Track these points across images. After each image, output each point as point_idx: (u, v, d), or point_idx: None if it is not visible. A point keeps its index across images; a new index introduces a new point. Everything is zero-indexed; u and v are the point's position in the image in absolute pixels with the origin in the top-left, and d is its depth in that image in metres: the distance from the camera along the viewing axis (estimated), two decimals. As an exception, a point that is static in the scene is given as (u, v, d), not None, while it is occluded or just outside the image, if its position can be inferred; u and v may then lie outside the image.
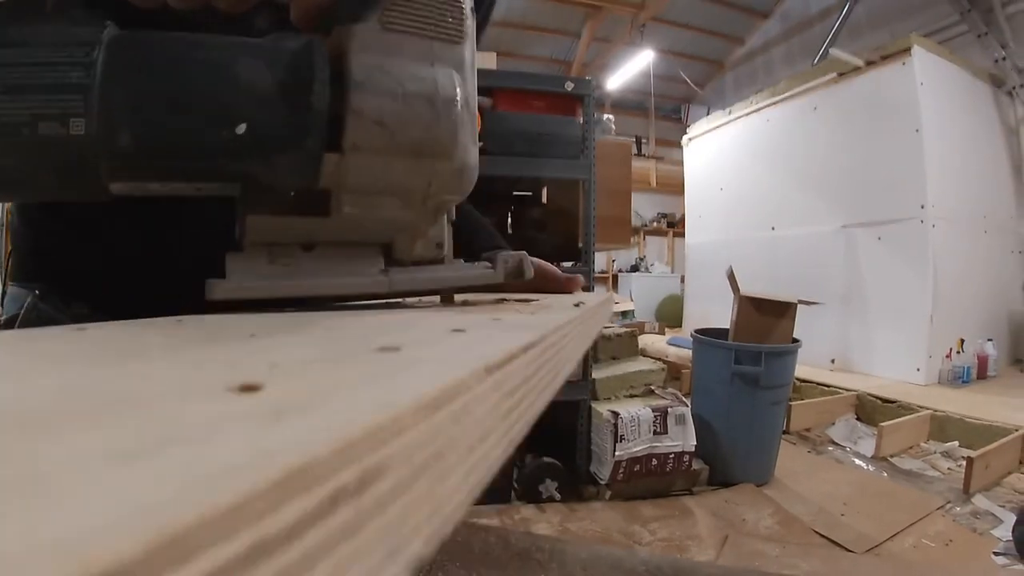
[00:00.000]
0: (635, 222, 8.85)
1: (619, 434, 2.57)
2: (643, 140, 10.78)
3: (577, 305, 0.51)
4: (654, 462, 2.64)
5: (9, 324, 0.70)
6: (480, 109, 2.43)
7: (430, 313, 0.44)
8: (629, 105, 10.83)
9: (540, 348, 0.27)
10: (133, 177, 0.40)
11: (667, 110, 11.34)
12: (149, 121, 0.38)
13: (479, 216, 0.81)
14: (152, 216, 0.63)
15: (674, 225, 10.18)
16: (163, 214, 0.64)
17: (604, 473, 2.61)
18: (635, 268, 9.66)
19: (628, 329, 3.41)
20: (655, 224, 10.45)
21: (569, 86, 2.72)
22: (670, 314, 7.93)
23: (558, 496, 2.62)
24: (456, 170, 0.48)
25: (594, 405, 2.73)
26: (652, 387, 2.99)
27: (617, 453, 2.56)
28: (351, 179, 0.44)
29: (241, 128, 0.39)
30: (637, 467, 2.61)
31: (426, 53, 0.47)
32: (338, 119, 0.42)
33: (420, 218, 0.50)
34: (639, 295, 8.32)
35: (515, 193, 3.03)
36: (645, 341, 5.12)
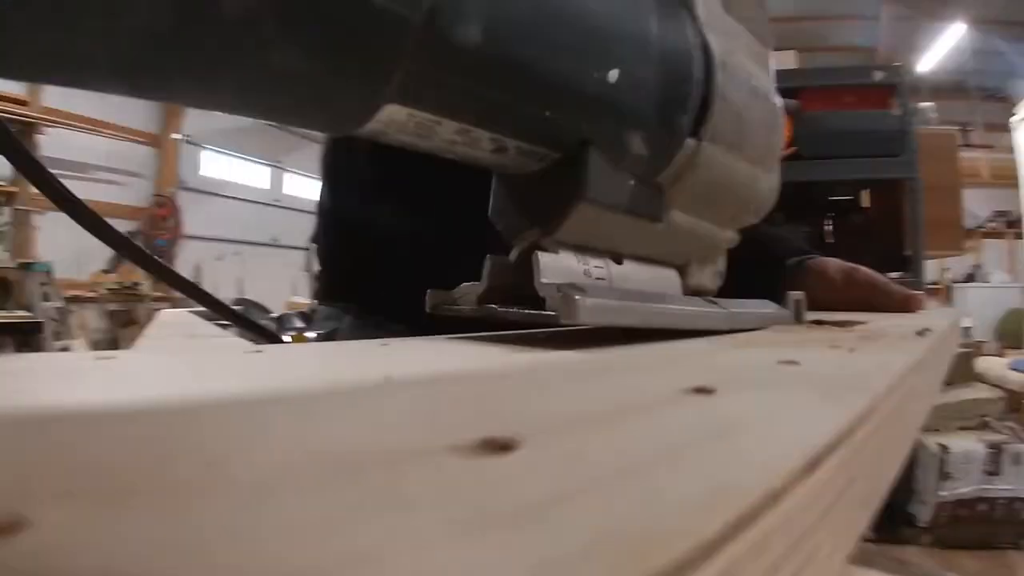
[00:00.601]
0: (968, 223, 7.83)
1: (945, 471, 2.26)
2: (968, 127, 9.46)
3: (922, 333, 0.40)
4: (982, 507, 2.27)
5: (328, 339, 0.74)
6: (788, 112, 2.26)
7: (740, 346, 0.36)
8: (944, 88, 9.60)
9: (875, 422, 0.19)
10: (429, 98, 0.29)
11: (989, 89, 9.84)
12: (507, 20, 0.29)
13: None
14: (467, 241, 0.64)
15: (1015, 225, 8.81)
16: (478, 236, 0.64)
17: (923, 515, 2.30)
18: (970, 278, 8.49)
19: (964, 350, 2.97)
20: (991, 225, 9.10)
21: (878, 75, 2.45)
22: (1012, 332, 6.85)
23: (870, 534, 2.34)
24: (771, 188, 0.43)
25: (920, 436, 2.39)
26: (987, 419, 2.57)
27: (941, 493, 2.25)
28: (695, 177, 0.38)
29: (614, 75, 0.33)
30: (963, 511, 2.28)
31: (750, 48, 0.41)
32: (704, 101, 0.37)
33: (722, 240, 0.45)
34: (974, 310, 7.32)
35: (832, 199, 2.79)
36: (982, 364, 4.48)
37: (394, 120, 0.29)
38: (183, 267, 6.74)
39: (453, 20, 0.27)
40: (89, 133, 5.96)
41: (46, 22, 0.21)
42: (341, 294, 0.79)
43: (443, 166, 0.66)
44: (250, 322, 0.60)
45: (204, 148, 7.16)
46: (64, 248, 5.42)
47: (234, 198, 7.44)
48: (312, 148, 6.85)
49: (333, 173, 0.78)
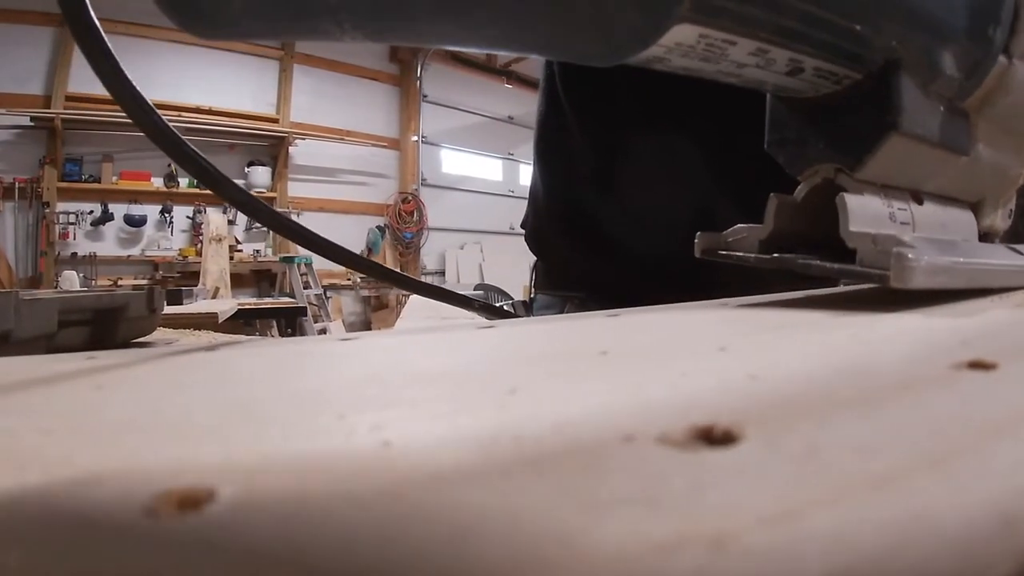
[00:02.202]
0: None
1: None
2: None
3: None
4: None
5: None
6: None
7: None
8: None
9: None
10: (726, 13, 0.25)
11: None
12: None
13: None
14: (691, 224, 0.63)
15: None
16: (702, 217, 0.62)
17: None
18: None
19: None
20: None
21: None
22: None
23: None
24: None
25: None
26: None
27: None
28: (1005, 101, 0.33)
29: None
30: None
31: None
32: (1016, 11, 0.32)
33: (1018, 176, 0.39)
34: None
35: None
36: None
37: (681, 42, 0.25)
38: (429, 257, 7.18)
39: None
40: (335, 142, 6.51)
41: None
42: (561, 282, 0.77)
43: (664, 144, 0.62)
44: (477, 302, 0.62)
45: (442, 147, 7.55)
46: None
47: (471, 191, 7.78)
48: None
49: (546, 158, 0.77)
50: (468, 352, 0.26)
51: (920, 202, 0.35)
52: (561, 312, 0.75)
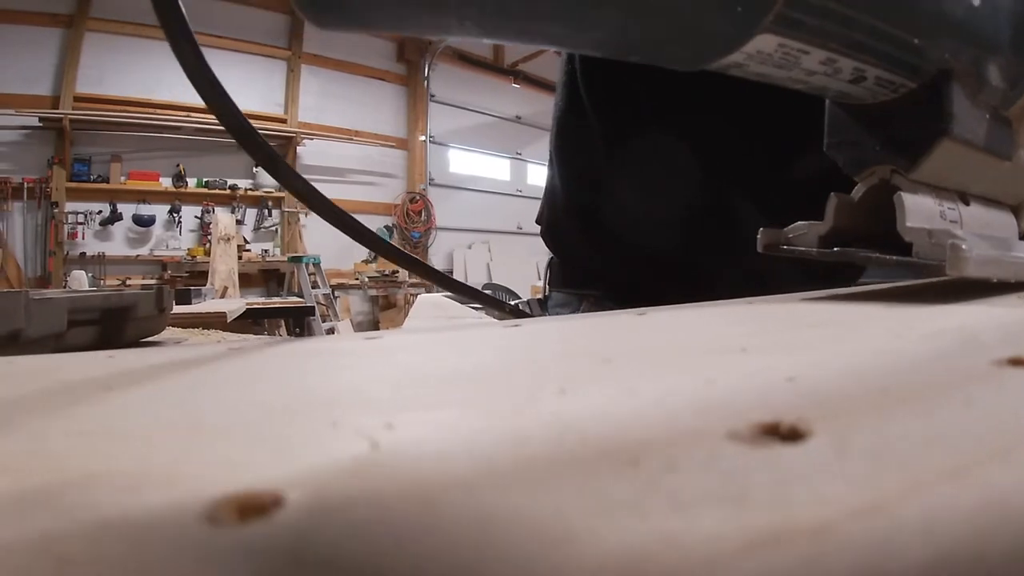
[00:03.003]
0: None
1: None
2: None
3: None
4: None
5: None
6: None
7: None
8: None
9: None
10: (805, 25, 0.28)
11: None
12: None
13: None
14: (709, 221, 0.62)
15: None
16: (719, 215, 0.63)
17: None
18: None
19: None
20: None
21: None
22: None
23: None
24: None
25: None
26: None
27: None
28: None
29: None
30: None
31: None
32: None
33: None
34: None
35: None
36: None
37: (761, 51, 0.29)
38: (436, 256, 7.20)
39: None
40: (343, 142, 6.52)
41: None
42: (576, 279, 0.77)
43: (685, 143, 0.62)
44: (495, 300, 0.63)
45: (449, 147, 7.56)
46: (330, 242, 5.99)
47: (479, 191, 7.79)
48: (548, 136, 6.99)
49: (565, 155, 0.76)
50: (504, 351, 0.25)
51: (967, 203, 0.37)
52: (576, 310, 0.75)
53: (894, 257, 0.34)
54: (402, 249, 0.52)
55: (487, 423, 0.14)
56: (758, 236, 0.40)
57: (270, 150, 0.39)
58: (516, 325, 0.31)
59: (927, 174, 0.35)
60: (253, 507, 0.09)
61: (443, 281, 0.52)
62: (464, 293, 0.57)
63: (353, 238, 0.43)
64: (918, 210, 0.34)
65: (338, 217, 0.42)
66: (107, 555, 0.08)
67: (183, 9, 0.37)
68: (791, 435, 0.12)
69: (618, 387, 0.16)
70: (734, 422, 0.13)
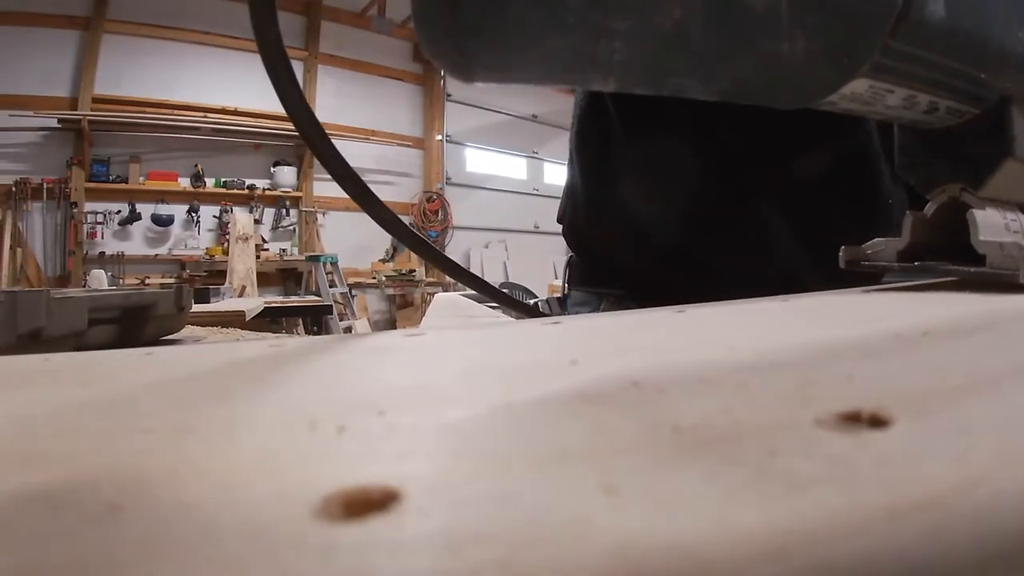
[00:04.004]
0: None
1: None
2: None
3: None
4: None
5: None
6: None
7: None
8: None
9: None
10: (893, 70, 0.33)
11: None
12: None
13: None
14: (730, 221, 0.62)
15: None
16: (740, 216, 0.64)
17: None
18: None
19: None
20: None
21: None
22: None
23: None
24: None
25: None
26: None
27: None
28: None
29: None
30: None
31: None
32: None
33: None
34: None
35: None
36: None
37: (854, 92, 0.34)
38: (454, 256, 7.18)
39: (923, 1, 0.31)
40: (359, 141, 6.53)
41: (584, 31, 0.27)
42: (597, 278, 0.76)
43: (704, 145, 0.62)
44: (517, 302, 0.63)
45: (466, 146, 7.55)
46: (347, 242, 6.00)
47: (496, 190, 7.78)
48: (565, 136, 7.02)
49: (586, 154, 0.75)
50: (559, 347, 0.25)
51: None
52: (596, 309, 0.74)
53: (972, 268, 0.37)
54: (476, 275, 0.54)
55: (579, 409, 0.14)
56: (840, 253, 0.43)
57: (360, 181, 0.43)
58: (557, 322, 0.32)
59: (992, 190, 0.39)
60: (364, 503, 0.09)
61: (496, 295, 0.55)
62: (510, 304, 0.60)
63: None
64: (988, 225, 0.37)
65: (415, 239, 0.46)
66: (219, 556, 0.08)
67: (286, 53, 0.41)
68: (875, 422, 0.13)
69: (690, 380, 0.17)
70: (818, 411, 0.13)
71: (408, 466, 0.11)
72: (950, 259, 0.38)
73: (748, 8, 0.28)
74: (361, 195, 0.43)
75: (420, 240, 0.47)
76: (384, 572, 0.08)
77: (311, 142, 0.41)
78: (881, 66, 0.32)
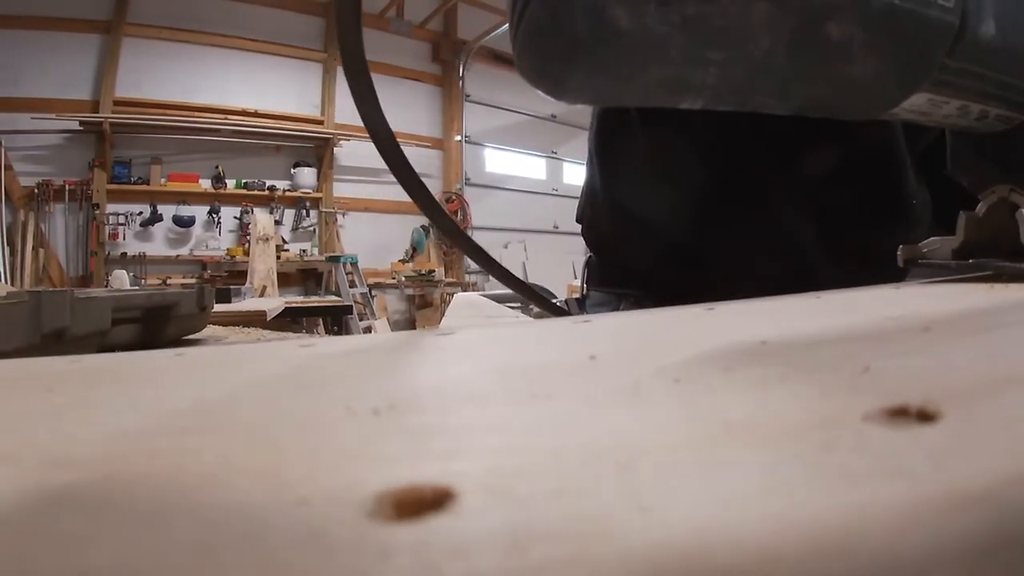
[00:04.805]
0: None
1: None
2: None
3: None
4: None
5: None
6: None
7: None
8: None
9: None
10: (951, 84, 0.36)
11: None
12: (1009, 15, 0.36)
13: None
14: (754, 235, 0.61)
15: None
16: (768, 231, 0.64)
17: None
18: None
19: None
20: None
21: None
22: None
23: None
24: None
25: None
26: None
27: None
28: None
29: None
30: None
31: None
32: None
33: None
34: None
35: None
36: None
37: (914, 104, 0.37)
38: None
39: (977, 20, 0.34)
40: (381, 141, 6.55)
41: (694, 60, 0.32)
42: (616, 279, 0.75)
43: (724, 144, 0.62)
44: (552, 303, 0.66)
45: (485, 146, 7.56)
46: (367, 242, 6.02)
47: (515, 190, 7.78)
48: (584, 135, 7.01)
49: (606, 155, 0.74)
50: (594, 345, 0.25)
51: None
52: (615, 310, 0.73)
53: (1020, 264, 0.39)
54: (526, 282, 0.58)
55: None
56: (898, 252, 0.46)
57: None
58: (587, 321, 0.32)
59: None
60: (416, 503, 0.09)
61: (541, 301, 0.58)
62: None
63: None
64: None
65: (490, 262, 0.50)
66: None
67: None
68: (923, 416, 0.13)
69: (732, 376, 0.16)
70: (864, 407, 0.13)
71: (458, 464, 0.11)
72: (1001, 256, 0.40)
73: (827, 37, 0.33)
74: (426, 203, 0.48)
75: (479, 248, 0.51)
76: (449, 573, 0.07)
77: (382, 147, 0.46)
78: (939, 81, 0.36)
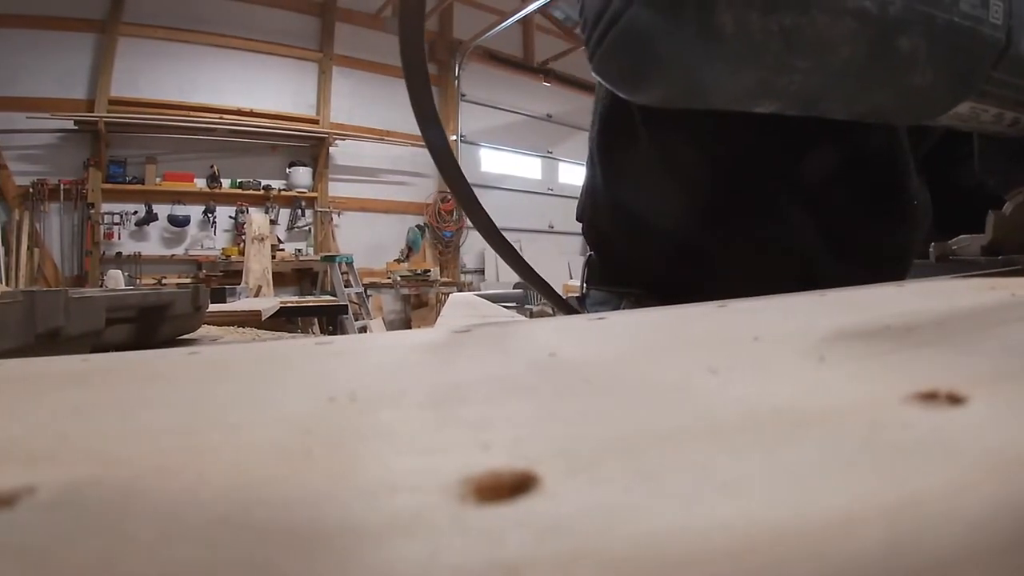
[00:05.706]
0: None
1: None
2: None
3: None
4: None
5: None
6: None
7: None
8: None
9: None
10: (994, 94, 0.40)
11: None
12: None
13: None
14: (757, 234, 0.61)
15: None
16: (770, 230, 0.64)
17: None
18: None
19: None
20: None
21: None
22: None
23: None
24: None
25: None
26: None
27: None
28: None
29: None
30: None
31: None
32: None
33: None
34: None
35: None
36: None
37: (958, 112, 0.40)
38: (468, 255, 7.21)
39: (1019, 37, 0.37)
40: (374, 142, 6.54)
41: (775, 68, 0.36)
42: (617, 278, 0.75)
43: (727, 143, 0.62)
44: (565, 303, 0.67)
45: (480, 146, 7.55)
46: (362, 242, 6.01)
47: (510, 189, 7.77)
48: (579, 135, 7.02)
49: (608, 154, 0.74)
50: (622, 341, 0.26)
51: None
52: (616, 308, 0.73)
53: None
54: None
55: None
56: (930, 249, 0.49)
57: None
58: (602, 318, 0.32)
59: None
60: (498, 487, 0.09)
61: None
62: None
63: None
64: None
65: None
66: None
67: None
68: (953, 399, 0.13)
69: (765, 373, 0.17)
70: (898, 392, 0.14)
71: (529, 449, 0.11)
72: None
73: (898, 48, 0.36)
74: (471, 209, 0.51)
75: (511, 248, 0.54)
76: (550, 550, 0.08)
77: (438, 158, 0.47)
78: (983, 91, 0.39)
